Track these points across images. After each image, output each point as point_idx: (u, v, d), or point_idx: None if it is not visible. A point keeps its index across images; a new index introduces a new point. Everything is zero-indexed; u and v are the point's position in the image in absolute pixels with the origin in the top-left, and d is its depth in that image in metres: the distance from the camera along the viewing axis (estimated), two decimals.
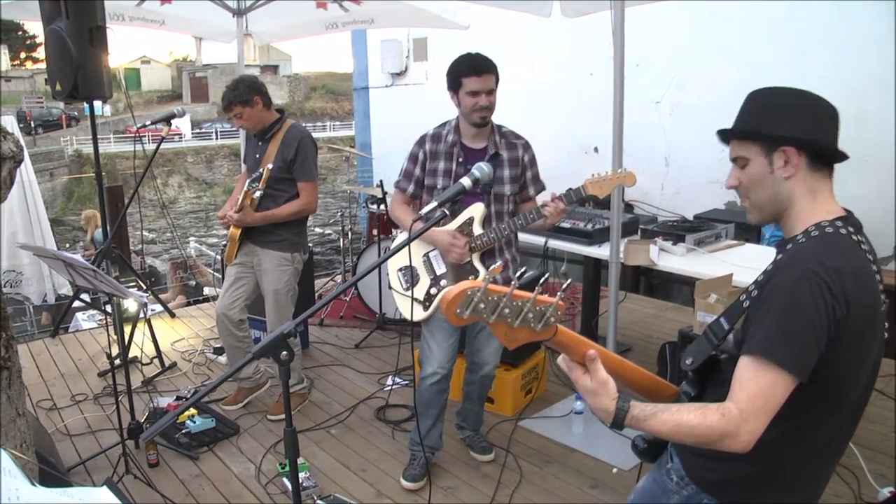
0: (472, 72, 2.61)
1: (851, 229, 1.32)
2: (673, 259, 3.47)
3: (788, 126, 1.33)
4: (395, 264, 2.89)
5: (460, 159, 2.73)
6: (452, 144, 2.75)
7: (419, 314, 2.81)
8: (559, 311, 1.22)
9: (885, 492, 2.82)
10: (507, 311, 1.19)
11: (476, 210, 2.70)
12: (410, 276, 2.82)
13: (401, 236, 2.94)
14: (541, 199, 2.81)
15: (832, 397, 1.31)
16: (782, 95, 1.38)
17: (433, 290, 2.78)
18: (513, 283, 1.19)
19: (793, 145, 1.33)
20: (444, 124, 2.82)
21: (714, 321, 1.43)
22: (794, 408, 1.26)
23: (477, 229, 2.69)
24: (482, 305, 1.17)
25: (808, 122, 1.33)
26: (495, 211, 2.75)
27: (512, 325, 1.20)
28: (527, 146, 2.82)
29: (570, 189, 2.61)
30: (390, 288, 2.90)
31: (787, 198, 1.36)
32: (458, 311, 1.17)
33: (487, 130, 2.74)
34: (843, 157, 1.36)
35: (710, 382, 1.44)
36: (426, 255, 2.81)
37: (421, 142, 2.83)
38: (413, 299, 2.78)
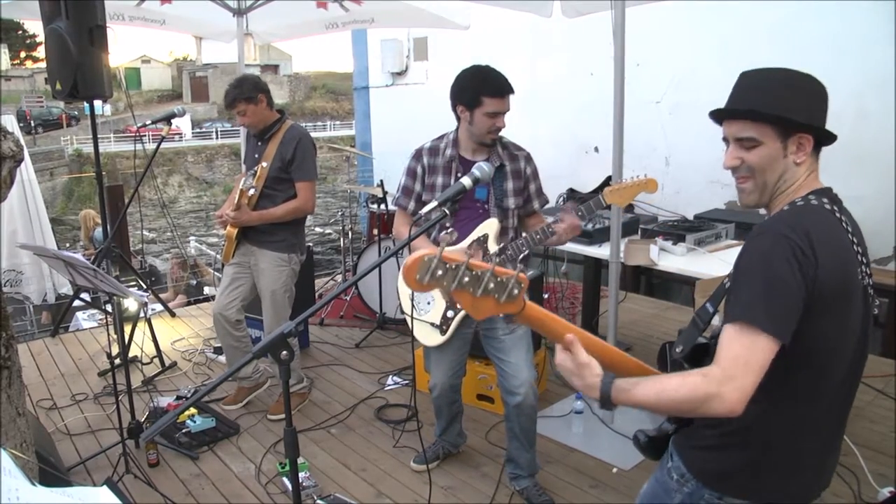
0: (496, 92, 2.47)
1: (825, 200, 1.34)
2: (673, 259, 3.46)
3: (807, 113, 1.35)
4: (406, 289, 2.73)
5: (459, 174, 2.62)
6: (451, 159, 2.65)
7: (436, 339, 2.70)
8: (522, 284, 1.22)
9: (885, 492, 2.82)
10: (466, 279, 1.19)
11: (490, 227, 2.59)
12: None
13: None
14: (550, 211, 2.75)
15: (814, 364, 1.32)
16: (789, 77, 1.37)
17: (450, 314, 2.66)
18: (468, 253, 1.20)
19: (810, 133, 1.35)
20: (441, 137, 2.72)
21: (700, 307, 1.44)
22: (777, 376, 1.27)
23: (492, 246, 2.58)
24: (440, 272, 1.18)
25: (819, 110, 1.36)
26: (501, 227, 2.64)
27: (475, 295, 1.21)
28: (528, 158, 2.72)
29: (588, 202, 2.49)
30: (403, 314, 2.77)
31: (791, 180, 1.38)
32: (418, 276, 1.18)
33: None
34: (834, 139, 1.38)
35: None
36: None
37: (418, 155, 2.72)
38: (432, 324, 2.67)
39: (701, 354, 1.41)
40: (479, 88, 2.49)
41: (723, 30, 5.56)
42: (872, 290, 1.39)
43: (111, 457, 3.15)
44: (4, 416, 2.14)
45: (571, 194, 5.72)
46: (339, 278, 6.32)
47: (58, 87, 3.36)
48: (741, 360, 1.21)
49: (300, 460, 2.70)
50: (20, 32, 42.05)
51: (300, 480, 2.62)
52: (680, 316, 5.19)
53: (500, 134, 2.64)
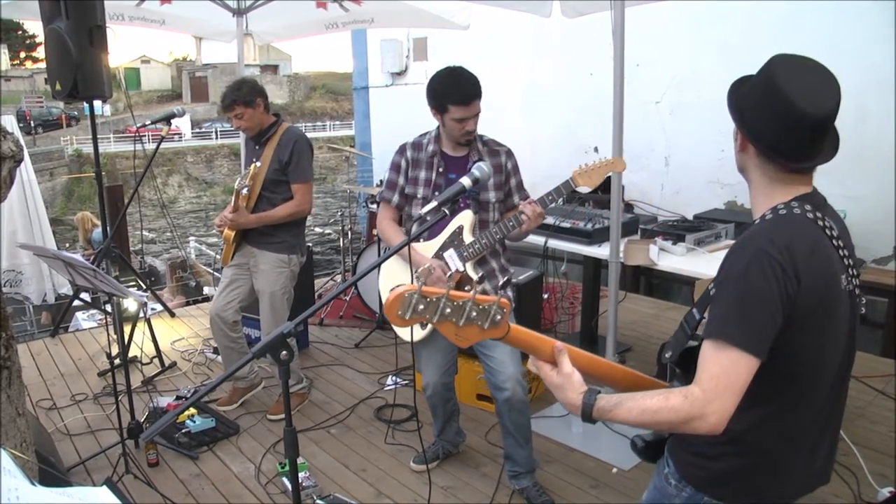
0: (460, 100, 2.53)
1: (808, 207, 1.32)
2: (673, 259, 3.46)
3: (746, 116, 1.37)
4: (386, 286, 2.82)
5: (440, 169, 2.69)
6: (433, 154, 2.72)
7: (417, 333, 2.71)
8: (505, 309, 1.22)
9: (885, 492, 2.82)
10: (448, 310, 1.20)
11: (465, 218, 2.63)
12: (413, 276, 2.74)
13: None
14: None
15: (799, 378, 1.32)
16: (768, 84, 1.34)
17: None
18: (447, 284, 1.21)
19: (743, 133, 1.38)
20: (424, 134, 2.80)
21: (688, 312, 1.45)
22: (762, 391, 1.27)
23: (467, 237, 2.61)
24: (421, 307, 1.19)
25: (761, 122, 1.34)
26: (480, 220, 2.68)
27: (458, 324, 1.22)
28: (509, 153, 2.78)
29: (552, 190, 2.51)
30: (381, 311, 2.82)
31: (747, 170, 1.41)
32: (400, 313, 1.20)
33: None
34: (798, 163, 1.33)
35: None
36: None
37: (402, 150, 2.79)
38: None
39: (691, 358, 1.41)
40: (444, 96, 2.55)
41: (723, 30, 5.56)
42: (859, 290, 1.38)
43: (111, 457, 3.15)
44: (4, 416, 2.13)
45: (571, 194, 5.72)
46: (338, 278, 6.32)
47: (58, 87, 3.36)
48: (722, 380, 1.22)
49: (300, 460, 2.70)
50: (20, 32, 42.05)
51: (300, 480, 2.62)
52: (680, 316, 5.14)
53: (482, 133, 2.71)
